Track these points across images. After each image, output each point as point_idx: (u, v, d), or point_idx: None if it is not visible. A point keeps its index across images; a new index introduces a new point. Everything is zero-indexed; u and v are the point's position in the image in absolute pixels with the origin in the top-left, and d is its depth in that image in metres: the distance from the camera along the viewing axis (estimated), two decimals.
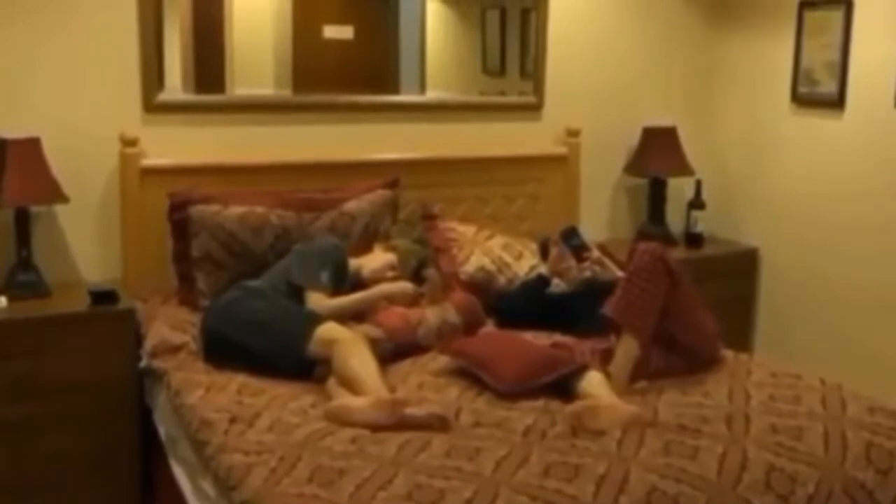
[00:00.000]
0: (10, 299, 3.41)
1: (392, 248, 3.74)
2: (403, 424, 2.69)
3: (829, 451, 2.61)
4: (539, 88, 4.64)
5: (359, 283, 3.58)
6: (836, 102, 4.39)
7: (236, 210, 3.66)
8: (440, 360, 3.27)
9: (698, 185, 4.84)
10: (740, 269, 4.88)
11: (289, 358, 3.11)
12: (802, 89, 4.58)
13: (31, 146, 3.47)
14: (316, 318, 3.20)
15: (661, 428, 2.71)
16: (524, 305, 3.71)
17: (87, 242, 3.78)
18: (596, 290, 3.52)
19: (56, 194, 3.52)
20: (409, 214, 4.17)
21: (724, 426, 2.72)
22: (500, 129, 4.56)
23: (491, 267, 3.92)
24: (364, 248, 3.78)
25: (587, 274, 3.78)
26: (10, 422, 3.29)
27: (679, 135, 4.80)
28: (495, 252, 3.99)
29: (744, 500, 2.39)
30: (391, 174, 4.09)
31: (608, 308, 3.18)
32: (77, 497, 3.43)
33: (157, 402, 3.35)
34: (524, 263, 3.97)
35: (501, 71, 4.80)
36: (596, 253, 3.92)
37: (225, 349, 3.23)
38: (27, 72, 3.60)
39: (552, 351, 3.19)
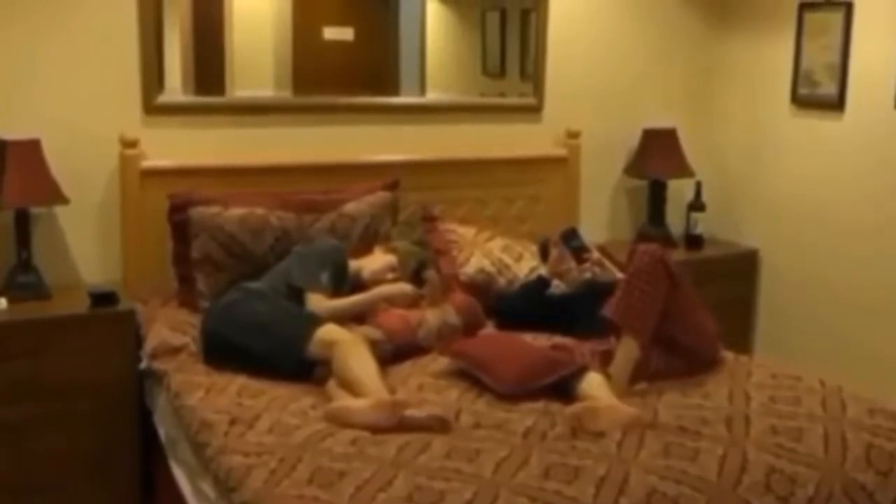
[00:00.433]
0: (10, 301, 3.41)
1: (392, 250, 3.74)
2: (403, 426, 2.69)
3: (829, 453, 2.61)
4: (539, 90, 4.64)
5: (359, 285, 3.58)
6: (836, 104, 4.39)
7: (236, 211, 3.66)
8: (440, 362, 3.27)
9: (698, 186, 4.85)
10: (740, 270, 4.88)
11: (289, 359, 3.11)
12: (802, 91, 4.58)
13: (31, 147, 3.48)
14: (316, 320, 3.20)
15: (661, 429, 2.71)
16: (524, 307, 3.71)
17: (87, 244, 3.78)
18: (596, 292, 3.52)
19: (56, 196, 3.52)
20: (409, 216, 4.17)
21: (725, 428, 2.72)
22: (500, 131, 4.56)
23: (491, 269, 3.93)
24: (364, 249, 3.78)
25: (587, 275, 3.78)
26: (10, 423, 3.29)
27: (679, 136, 4.80)
28: (495, 254, 3.99)
29: (744, 502, 2.39)
30: (391, 176, 4.09)
31: (608, 310, 3.18)
32: (77, 498, 3.43)
33: (157, 403, 3.35)
34: (524, 265, 3.97)
35: (501, 72, 4.80)
36: (596, 254, 3.92)
37: (225, 351, 3.23)
38: (27, 73, 3.61)
39: (552, 352, 3.19)
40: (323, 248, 3.58)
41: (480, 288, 3.85)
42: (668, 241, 4.76)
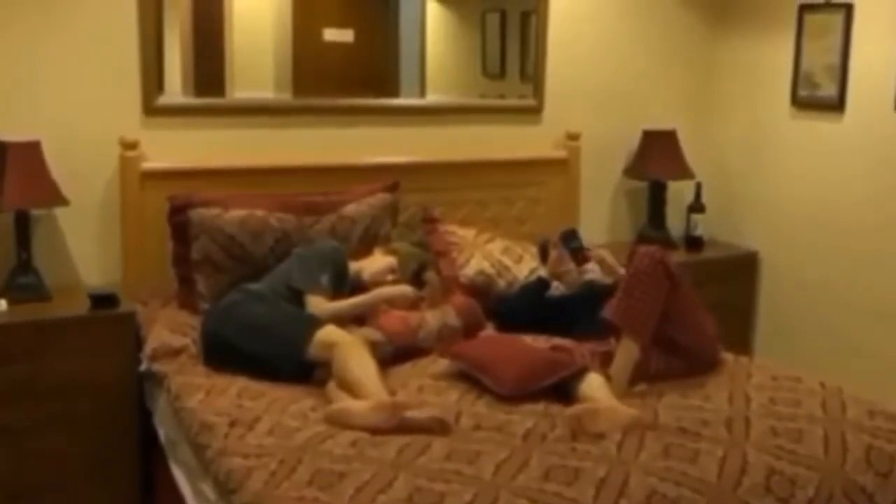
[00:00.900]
0: (11, 302, 3.41)
1: (392, 252, 3.74)
2: (403, 428, 2.69)
3: (830, 455, 2.61)
4: (539, 91, 4.64)
5: (359, 287, 3.58)
6: (836, 105, 4.39)
7: (236, 213, 3.66)
8: (440, 364, 3.27)
9: (698, 188, 4.85)
10: (740, 272, 4.88)
11: (289, 361, 3.11)
12: (802, 92, 4.58)
13: (31, 149, 3.48)
14: (316, 322, 3.20)
15: (661, 431, 2.71)
16: (523, 308, 3.71)
17: (87, 245, 3.78)
18: (596, 293, 3.52)
19: (56, 197, 3.52)
20: (409, 218, 4.17)
21: (725, 429, 2.72)
22: (500, 133, 4.56)
23: (491, 270, 3.93)
24: (364, 251, 3.78)
25: (587, 277, 3.78)
26: (10, 424, 3.29)
27: (679, 138, 4.81)
28: (495, 256, 3.99)
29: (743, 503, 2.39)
30: (391, 177, 4.09)
31: (608, 311, 3.18)
32: (77, 500, 3.43)
33: (157, 405, 3.35)
34: (524, 267, 3.97)
35: (501, 74, 4.80)
36: (598, 252, 3.92)
37: (225, 352, 3.23)
38: (27, 74, 3.61)
39: (552, 354, 3.18)
40: (323, 250, 3.58)
41: (480, 290, 3.85)
42: (668, 242, 4.76)
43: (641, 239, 4.81)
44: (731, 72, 4.99)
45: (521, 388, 2.96)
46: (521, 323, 3.57)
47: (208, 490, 2.70)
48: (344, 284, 3.54)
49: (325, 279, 3.44)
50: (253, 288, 3.43)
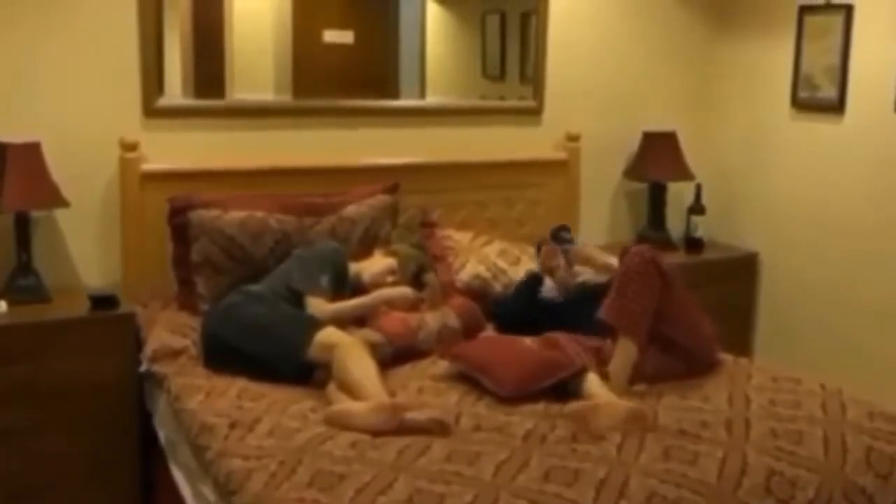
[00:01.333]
0: (11, 304, 3.41)
1: (392, 253, 3.74)
2: (403, 429, 2.69)
3: (829, 456, 2.61)
4: (539, 93, 4.64)
5: (359, 288, 3.58)
6: (836, 107, 4.39)
7: (236, 214, 3.66)
8: (440, 365, 3.27)
9: (698, 189, 4.85)
10: (740, 273, 4.87)
11: (289, 362, 3.11)
12: (802, 94, 4.58)
13: (31, 150, 3.48)
14: (316, 323, 3.20)
15: (661, 433, 2.71)
16: (519, 308, 3.70)
17: (87, 247, 3.78)
18: (589, 295, 3.51)
19: (56, 199, 3.52)
20: (408, 219, 4.17)
21: (724, 431, 2.73)
22: (500, 134, 4.56)
23: (486, 274, 3.92)
24: (364, 252, 3.78)
25: (580, 280, 3.76)
26: (10, 426, 3.29)
27: (679, 139, 4.81)
28: (491, 259, 3.98)
29: None
30: (391, 179, 4.09)
31: (603, 312, 3.18)
32: (77, 501, 3.43)
33: (157, 406, 3.35)
34: (521, 269, 3.95)
35: (501, 75, 4.80)
36: (584, 251, 3.88)
37: (225, 353, 3.23)
38: (27, 76, 3.61)
39: (552, 355, 3.17)
40: (323, 251, 3.58)
41: (477, 294, 3.83)
42: (668, 243, 4.77)
43: (641, 240, 4.80)
44: (732, 73, 4.99)
45: (520, 390, 2.97)
46: (517, 324, 3.56)
47: (208, 491, 2.70)
48: (344, 286, 3.54)
49: (325, 280, 3.44)
50: (253, 289, 3.43)
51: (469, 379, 3.11)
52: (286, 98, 4.24)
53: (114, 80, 3.75)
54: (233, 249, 3.63)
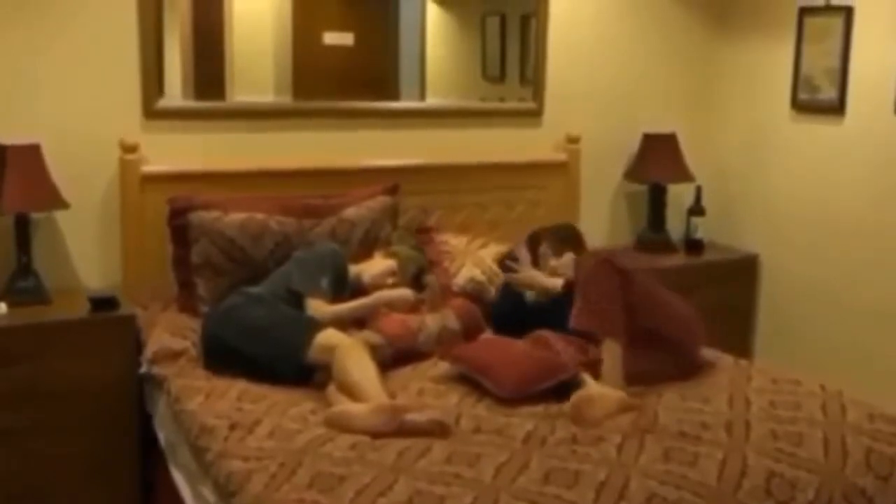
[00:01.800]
0: (11, 305, 3.41)
1: (392, 255, 3.74)
2: (403, 430, 2.69)
3: (830, 458, 2.61)
4: (539, 94, 4.64)
5: (359, 290, 3.57)
6: (837, 109, 4.39)
7: (236, 216, 3.66)
8: (440, 367, 3.27)
9: (698, 191, 4.84)
10: (740, 275, 4.87)
11: (289, 364, 3.11)
12: (802, 95, 4.58)
13: (32, 152, 3.48)
14: (316, 325, 3.20)
15: (661, 434, 2.71)
16: (508, 310, 3.67)
17: (87, 248, 3.78)
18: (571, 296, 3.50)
19: (56, 200, 3.52)
20: (408, 221, 4.17)
21: (725, 432, 2.72)
22: (500, 136, 4.56)
23: (481, 278, 3.90)
24: (364, 254, 3.78)
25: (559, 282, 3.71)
26: (10, 427, 3.29)
27: (679, 141, 4.81)
28: (486, 262, 3.97)
29: None
30: (391, 180, 4.09)
31: (574, 322, 3.18)
32: (77, 503, 3.43)
33: (157, 408, 3.35)
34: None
35: (501, 77, 4.80)
36: (528, 277, 3.76)
37: (225, 355, 3.23)
38: (27, 78, 3.61)
39: (552, 357, 3.17)
40: (323, 253, 3.58)
41: (473, 297, 3.82)
42: (668, 245, 4.78)
43: (641, 242, 4.82)
44: (732, 75, 5.00)
45: (520, 391, 2.97)
46: (510, 325, 3.55)
47: (208, 493, 2.70)
48: (344, 287, 3.54)
49: (325, 282, 3.44)
50: (253, 291, 3.43)
51: (469, 380, 3.11)
52: (286, 100, 4.24)
53: (114, 82, 3.75)
54: (233, 251, 3.63)
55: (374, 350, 3.15)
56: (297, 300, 3.39)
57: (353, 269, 3.64)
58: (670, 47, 4.95)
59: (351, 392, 2.90)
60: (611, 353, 3.10)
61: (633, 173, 4.86)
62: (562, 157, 4.63)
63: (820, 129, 4.52)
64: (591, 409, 2.80)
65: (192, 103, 4.02)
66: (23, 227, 3.50)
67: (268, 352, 3.15)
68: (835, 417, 2.85)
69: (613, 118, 4.84)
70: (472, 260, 3.98)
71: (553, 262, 3.74)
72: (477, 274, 3.91)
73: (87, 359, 3.38)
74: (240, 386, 3.07)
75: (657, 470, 2.48)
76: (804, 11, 4.52)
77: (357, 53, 4.39)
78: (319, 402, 2.95)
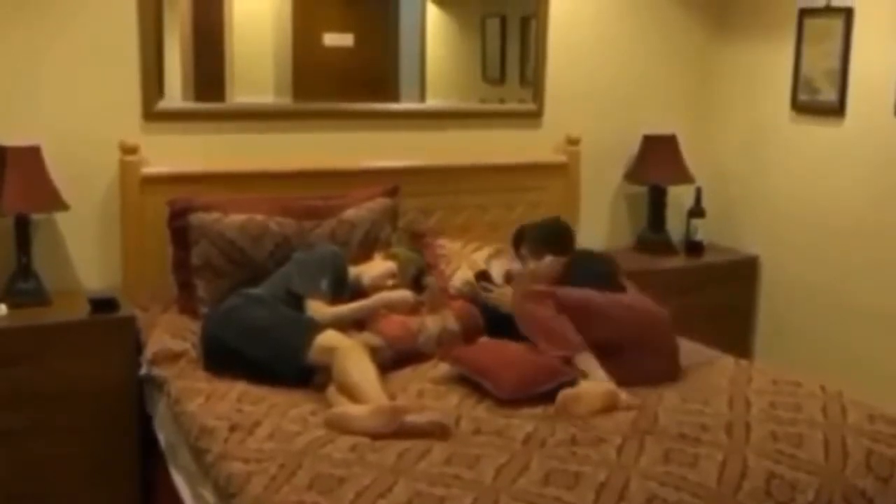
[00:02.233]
0: (10, 307, 3.41)
1: (392, 256, 3.73)
2: (403, 432, 2.69)
3: (830, 459, 2.61)
4: (539, 96, 4.64)
5: (359, 291, 3.57)
6: (837, 110, 4.39)
7: (236, 217, 3.66)
8: (440, 368, 3.27)
9: (698, 192, 4.84)
10: (740, 276, 4.87)
11: (289, 366, 3.11)
12: (802, 97, 4.58)
13: (32, 154, 3.48)
14: (316, 326, 3.20)
15: (661, 436, 2.71)
16: (495, 318, 3.66)
17: (87, 250, 3.78)
18: None
19: (56, 202, 3.52)
20: (408, 223, 4.17)
21: (725, 434, 2.72)
22: (500, 137, 4.56)
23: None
24: (364, 255, 3.77)
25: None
26: (10, 428, 3.29)
27: (679, 142, 4.81)
28: (480, 265, 3.96)
29: None
30: (391, 182, 4.09)
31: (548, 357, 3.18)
32: None
33: (157, 409, 3.35)
34: None
35: (501, 79, 4.80)
36: (496, 298, 3.71)
37: (225, 356, 3.23)
38: (27, 79, 3.61)
39: (552, 359, 3.17)
40: (323, 255, 3.58)
41: (469, 300, 3.80)
42: (668, 247, 4.78)
43: (641, 243, 4.82)
44: (732, 76, 4.99)
45: (520, 393, 2.97)
46: (502, 327, 3.53)
47: (208, 494, 2.70)
48: (344, 289, 3.54)
49: (324, 284, 3.44)
50: (253, 292, 3.43)
51: (469, 382, 3.11)
52: (286, 101, 4.24)
53: (114, 83, 3.75)
54: (233, 252, 3.63)
55: (373, 351, 3.16)
56: (297, 301, 3.39)
57: (353, 271, 3.64)
58: (670, 49, 4.95)
59: (351, 393, 2.90)
60: (587, 362, 3.11)
61: (633, 175, 4.86)
62: (562, 158, 4.63)
63: (820, 131, 4.52)
64: (577, 405, 2.85)
65: (192, 104, 4.02)
66: (23, 229, 3.50)
67: (268, 353, 3.15)
68: (835, 419, 2.85)
69: (613, 119, 4.84)
70: (467, 263, 3.98)
71: (532, 266, 3.72)
72: (471, 276, 3.90)
73: (87, 360, 3.38)
74: (240, 387, 3.07)
75: (657, 471, 2.48)
76: (804, 13, 4.52)
77: (357, 55, 4.39)
78: (319, 403, 2.95)
